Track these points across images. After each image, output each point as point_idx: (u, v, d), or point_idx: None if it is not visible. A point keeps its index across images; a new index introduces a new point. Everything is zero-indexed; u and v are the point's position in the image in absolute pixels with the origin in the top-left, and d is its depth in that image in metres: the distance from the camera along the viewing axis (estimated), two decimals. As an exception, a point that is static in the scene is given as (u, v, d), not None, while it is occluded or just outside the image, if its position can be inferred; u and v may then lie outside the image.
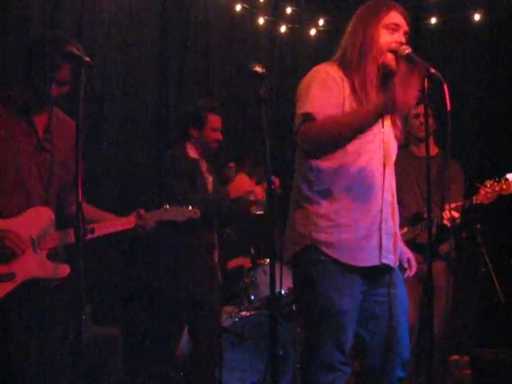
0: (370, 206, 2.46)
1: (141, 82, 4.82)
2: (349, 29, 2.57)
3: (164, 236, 3.61)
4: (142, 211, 2.73)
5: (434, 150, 4.04)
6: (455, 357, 4.37)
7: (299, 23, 5.56)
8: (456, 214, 3.71)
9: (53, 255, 2.55)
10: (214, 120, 3.74)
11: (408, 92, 2.25)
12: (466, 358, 4.36)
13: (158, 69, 4.93)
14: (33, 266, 2.49)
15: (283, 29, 5.49)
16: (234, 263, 4.60)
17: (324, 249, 2.40)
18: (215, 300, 3.68)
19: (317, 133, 2.35)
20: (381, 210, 2.49)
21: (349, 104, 2.42)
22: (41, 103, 2.57)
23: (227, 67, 5.28)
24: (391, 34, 2.48)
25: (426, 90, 2.34)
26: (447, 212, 3.72)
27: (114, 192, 4.53)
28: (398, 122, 2.63)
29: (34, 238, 2.51)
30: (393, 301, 2.55)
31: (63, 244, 2.57)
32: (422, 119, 3.97)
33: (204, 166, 3.78)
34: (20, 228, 2.48)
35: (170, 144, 4.24)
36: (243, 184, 3.63)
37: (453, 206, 3.73)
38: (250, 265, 4.39)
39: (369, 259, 2.44)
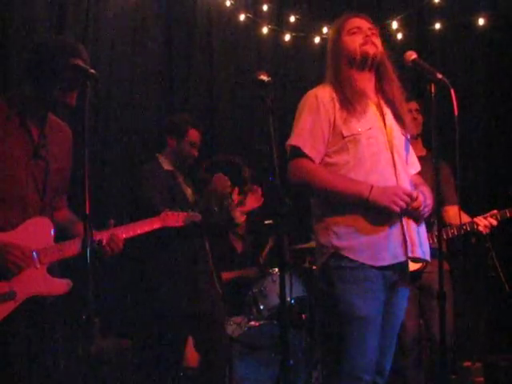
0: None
1: (145, 91, 4.82)
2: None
3: (155, 248, 3.54)
4: (111, 221, 2.59)
5: (422, 151, 3.94)
6: (467, 363, 4.33)
7: (303, 31, 5.56)
8: (494, 222, 3.64)
9: (52, 269, 2.44)
10: (194, 134, 3.69)
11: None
12: (479, 365, 4.32)
13: (162, 78, 4.93)
14: (34, 282, 2.36)
15: (287, 37, 5.49)
16: (240, 273, 4.57)
17: (347, 254, 2.44)
18: (217, 311, 3.64)
19: (302, 180, 2.50)
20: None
21: (339, 116, 2.51)
22: (40, 109, 2.48)
23: (232, 77, 5.28)
24: (357, 35, 2.60)
25: (432, 95, 2.35)
26: (483, 220, 3.64)
27: (115, 202, 4.51)
28: (407, 119, 2.67)
29: (34, 252, 2.38)
30: (395, 311, 2.59)
31: (64, 258, 2.45)
32: (413, 115, 3.90)
33: (181, 177, 3.71)
34: (20, 241, 2.35)
35: (142, 159, 4.14)
36: (218, 179, 3.54)
37: (494, 212, 3.67)
38: (253, 275, 4.38)
39: (392, 257, 2.46)
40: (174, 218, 2.85)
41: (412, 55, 2.51)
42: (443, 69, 5.33)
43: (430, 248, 3.76)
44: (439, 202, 3.76)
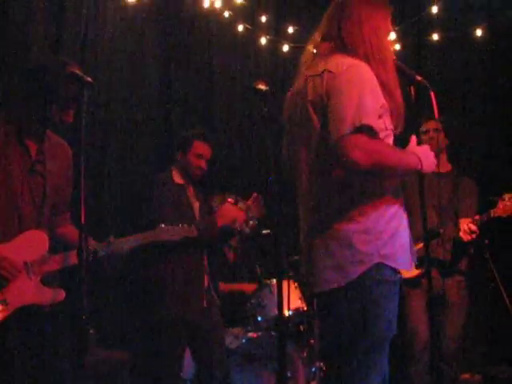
0: (404, 208, 2.26)
1: (144, 102, 4.81)
2: (355, 11, 2.29)
3: (151, 259, 3.57)
4: (112, 238, 2.67)
5: (447, 167, 4.09)
6: (467, 375, 4.30)
7: (302, 42, 5.55)
8: (473, 227, 3.72)
9: (47, 280, 2.51)
10: (199, 146, 3.74)
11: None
12: (478, 377, 4.29)
13: (161, 89, 4.93)
14: (26, 292, 2.45)
15: (286, 48, 5.50)
16: (235, 287, 4.54)
17: (390, 263, 2.13)
18: (211, 323, 3.63)
19: (374, 158, 2.04)
20: (406, 213, 2.30)
21: (383, 105, 2.20)
22: (38, 127, 2.55)
23: (230, 87, 5.28)
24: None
25: (413, 97, 2.29)
26: (464, 225, 3.72)
27: (113, 213, 4.49)
28: None
29: (28, 263, 2.47)
30: None
31: (59, 268, 2.53)
32: (430, 134, 4.00)
33: (190, 191, 3.76)
34: (14, 253, 2.44)
35: (158, 170, 4.14)
36: (229, 212, 3.59)
37: (470, 219, 3.74)
38: (253, 290, 4.36)
39: (412, 264, 2.26)
40: (169, 232, 2.86)
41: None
42: (441, 79, 5.39)
43: (442, 259, 3.86)
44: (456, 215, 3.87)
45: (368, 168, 2.03)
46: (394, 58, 2.30)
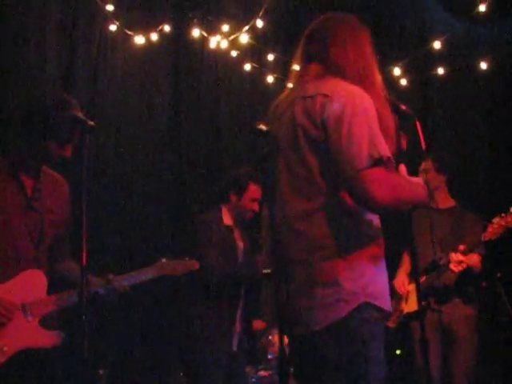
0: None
1: (153, 139, 4.89)
2: (339, 33, 2.16)
3: (183, 302, 3.58)
4: (111, 275, 2.63)
5: (449, 202, 4.15)
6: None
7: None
8: (460, 257, 3.73)
9: (46, 321, 2.44)
10: (255, 190, 3.67)
11: None
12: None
13: (169, 127, 5.01)
14: (24, 336, 2.36)
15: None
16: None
17: (376, 301, 1.96)
18: (237, 368, 3.59)
19: (394, 194, 1.91)
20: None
21: None
22: (34, 162, 2.51)
23: (238, 125, 5.34)
24: None
25: (397, 127, 2.13)
26: (453, 256, 3.75)
27: (115, 249, 4.49)
28: None
29: (25, 305, 2.40)
30: None
31: (56, 310, 2.47)
32: (429, 174, 4.04)
33: (237, 232, 3.70)
34: (11, 294, 2.37)
35: (205, 207, 4.16)
36: None
37: (461, 248, 3.77)
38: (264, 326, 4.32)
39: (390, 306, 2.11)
40: (170, 267, 2.83)
41: None
42: (447, 112, 5.40)
43: (447, 288, 3.85)
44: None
45: (389, 204, 1.89)
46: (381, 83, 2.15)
